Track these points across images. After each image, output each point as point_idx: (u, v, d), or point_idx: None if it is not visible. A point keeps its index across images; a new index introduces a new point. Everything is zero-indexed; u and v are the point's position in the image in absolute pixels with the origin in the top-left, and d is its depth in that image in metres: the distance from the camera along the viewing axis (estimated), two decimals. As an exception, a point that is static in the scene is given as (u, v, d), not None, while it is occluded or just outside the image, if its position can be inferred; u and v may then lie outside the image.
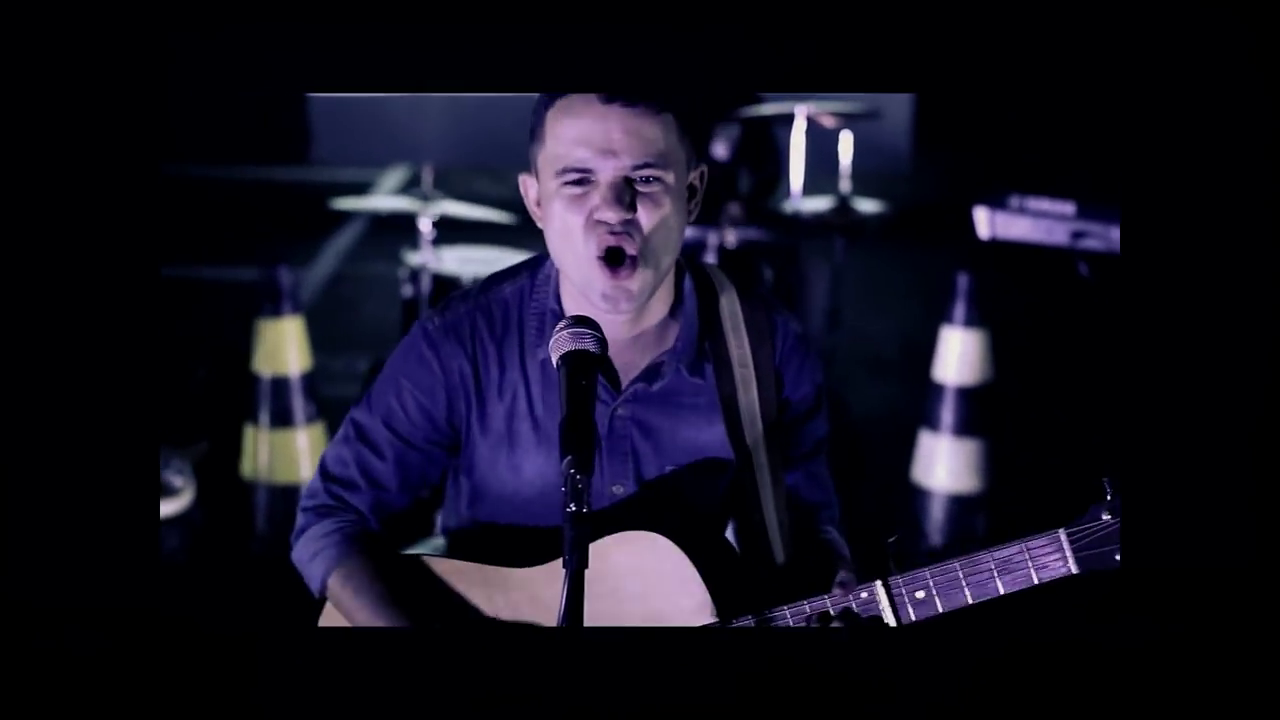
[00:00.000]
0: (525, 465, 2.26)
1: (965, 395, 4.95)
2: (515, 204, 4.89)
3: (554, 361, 2.02)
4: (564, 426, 1.90)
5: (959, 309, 4.93)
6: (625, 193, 2.09)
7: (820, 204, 5.31)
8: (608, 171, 2.09)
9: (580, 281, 2.15)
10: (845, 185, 5.32)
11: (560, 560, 2.09)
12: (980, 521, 4.95)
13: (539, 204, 2.21)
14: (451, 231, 4.97)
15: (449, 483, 2.42)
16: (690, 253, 2.37)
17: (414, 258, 5.06)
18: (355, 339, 6.46)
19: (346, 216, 8.86)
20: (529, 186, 2.23)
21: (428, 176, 4.89)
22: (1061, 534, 2.04)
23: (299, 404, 4.80)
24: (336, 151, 10.53)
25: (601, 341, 2.03)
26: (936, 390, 4.99)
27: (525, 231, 5.26)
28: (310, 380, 4.87)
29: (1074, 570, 2.03)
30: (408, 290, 5.16)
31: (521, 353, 2.26)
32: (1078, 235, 4.37)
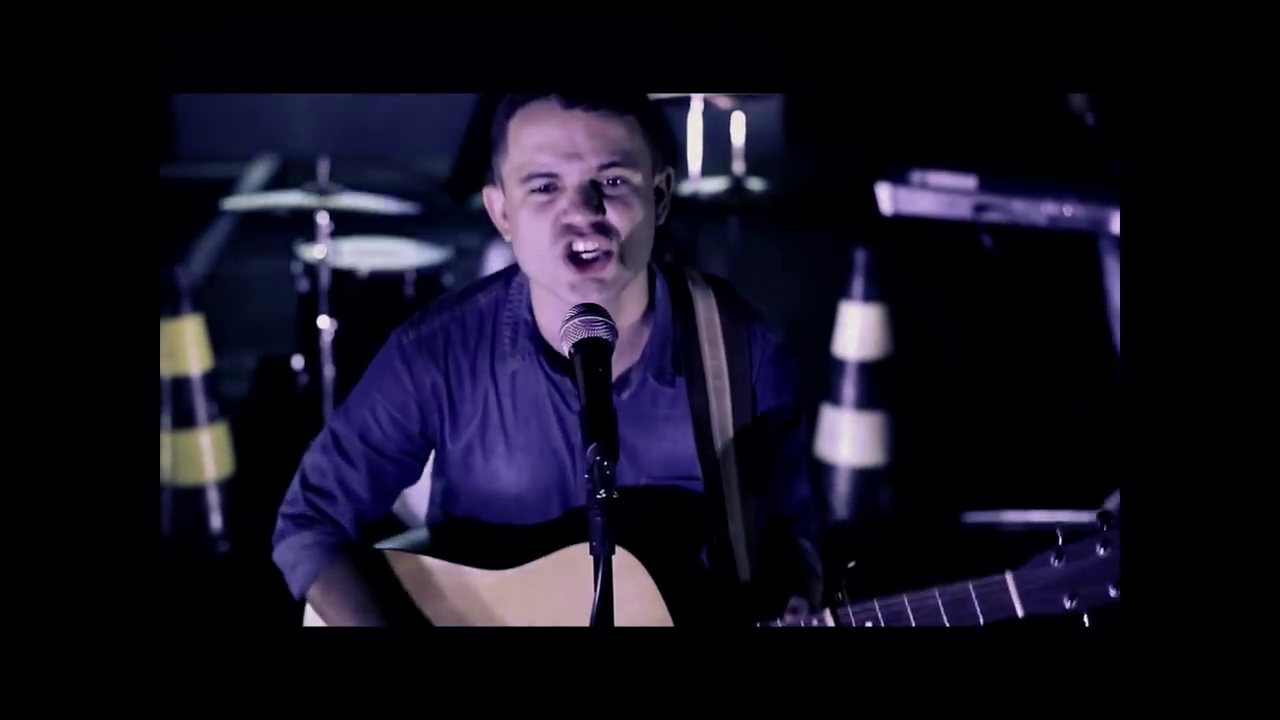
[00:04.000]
0: (501, 472, 2.25)
1: (866, 370, 5.02)
2: (398, 192, 4.83)
3: (566, 351, 2.01)
4: (585, 414, 1.90)
5: (857, 284, 5.00)
6: (593, 195, 2.07)
7: (715, 185, 5.33)
8: (573, 175, 2.07)
9: (548, 280, 2.12)
10: (739, 166, 5.35)
11: (528, 565, 2.18)
12: (885, 494, 5.04)
13: (505, 216, 2.18)
14: (336, 224, 4.90)
15: (431, 479, 2.40)
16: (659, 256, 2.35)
17: (308, 251, 4.99)
18: (239, 337, 6.34)
19: (215, 213, 8.68)
20: (494, 199, 2.20)
21: (324, 169, 4.82)
22: (1009, 577, 2.01)
23: (201, 404, 4.71)
24: (201, 146, 10.29)
25: (612, 328, 2.02)
26: (838, 365, 5.05)
27: (408, 221, 5.23)
28: (212, 379, 4.78)
29: (1020, 613, 2.00)
30: (304, 285, 5.09)
31: (493, 362, 2.24)
32: (980, 209, 4.46)
